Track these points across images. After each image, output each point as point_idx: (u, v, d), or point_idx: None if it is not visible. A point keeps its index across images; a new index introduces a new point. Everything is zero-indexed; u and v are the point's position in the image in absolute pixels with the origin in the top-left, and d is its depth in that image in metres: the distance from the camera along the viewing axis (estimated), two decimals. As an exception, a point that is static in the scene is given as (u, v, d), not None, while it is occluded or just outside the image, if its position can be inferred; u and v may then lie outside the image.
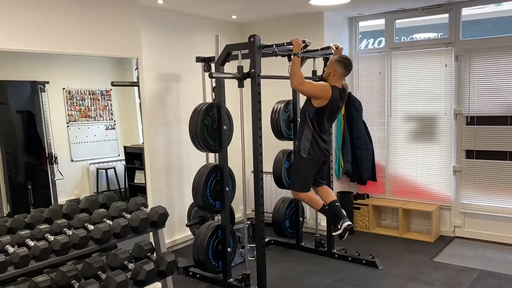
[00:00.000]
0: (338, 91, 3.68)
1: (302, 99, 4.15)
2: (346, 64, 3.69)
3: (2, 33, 3.07)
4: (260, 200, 3.68)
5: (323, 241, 4.75)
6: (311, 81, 3.79)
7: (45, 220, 2.84)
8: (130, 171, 4.43)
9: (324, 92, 3.62)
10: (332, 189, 4.53)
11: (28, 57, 3.39)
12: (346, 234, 3.75)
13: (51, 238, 2.57)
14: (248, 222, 4.39)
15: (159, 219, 2.98)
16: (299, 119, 4.55)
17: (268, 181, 5.03)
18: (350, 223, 3.72)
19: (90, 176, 4.11)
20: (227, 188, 3.98)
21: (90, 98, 4.03)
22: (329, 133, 3.88)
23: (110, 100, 4.17)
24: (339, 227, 3.72)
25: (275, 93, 4.81)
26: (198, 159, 4.83)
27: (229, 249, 4.01)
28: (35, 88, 3.69)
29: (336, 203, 3.82)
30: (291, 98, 4.72)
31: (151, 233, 3.09)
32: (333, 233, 3.87)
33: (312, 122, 3.70)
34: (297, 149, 3.87)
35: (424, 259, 4.55)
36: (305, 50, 3.80)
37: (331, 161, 4.28)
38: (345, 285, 4.01)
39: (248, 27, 5.71)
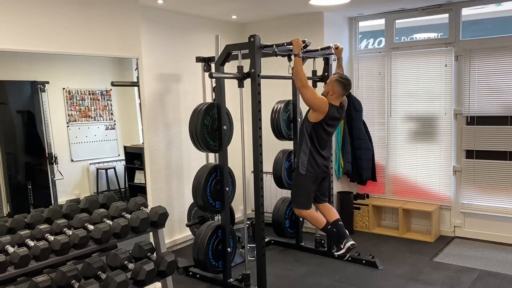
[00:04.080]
0: (335, 109, 3.71)
1: (302, 100, 4.14)
2: (345, 85, 3.71)
3: (2, 33, 3.07)
4: (260, 200, 3.68)
5: (323, 241, 4.75)
6: (314, 90, 3.77)
7: (45, 220, 2.83)
8: (130, 171, 4.42)
9: (322, 105, 3.64)
10: (332, 189, 4.54)
11: (28, 57, 3.39)
12: (348, 255, 3.74)
13: (51, 238, 2.57)
14: (248, 222, 4.39)
15: (159, 219, 2.98)
16: (299, 119, 4.56)
17: (268, 181, 5.03)
18: (354, 242, 3.68)
19: (90, 176, 4.11)
20: (227, 188, 3.98)
21: (90, 98, 4.03)
22: (329, 149, 3.88)
23: (110, 100, 4.17)
24: (342, 246, 3.69)
25: (275, 93, 4.81)
26: (198, 159, 4.83)
27: (229, 249, 4.01)
28: (35, 88, 3.69)
29: (340, 222, 3.79)
30: (291, 98, 4.72)
31: (151, 233, 3.09)
32: (336, 253, 3.80)
33: (311, 138, 3.71)
34: (295, 165, 3.87)
35: (424, 259, 4.55)
36: (305, 50, 3.80)
37: (331, 161, 4.27)
38: (345, 285, 4.01)
39: (248, 27, 5.71)
